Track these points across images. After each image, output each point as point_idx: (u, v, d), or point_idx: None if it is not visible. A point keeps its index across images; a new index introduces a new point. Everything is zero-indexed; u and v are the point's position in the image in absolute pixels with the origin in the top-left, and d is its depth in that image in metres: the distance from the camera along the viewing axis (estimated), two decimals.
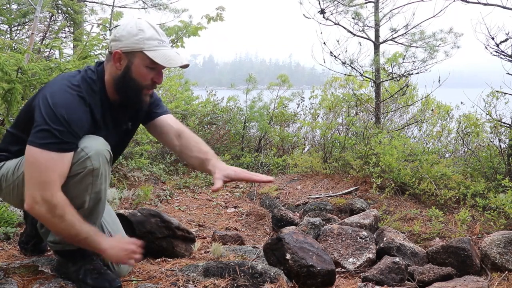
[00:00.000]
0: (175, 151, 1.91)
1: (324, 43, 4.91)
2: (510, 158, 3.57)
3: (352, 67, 5.00)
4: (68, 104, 1.46)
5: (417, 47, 4.95)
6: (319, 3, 4.86)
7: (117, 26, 1.67)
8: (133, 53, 1.57)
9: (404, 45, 4.98)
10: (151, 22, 1.61)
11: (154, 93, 1.80)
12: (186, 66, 1.63)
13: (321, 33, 4.88)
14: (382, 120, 5.28)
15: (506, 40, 3.69)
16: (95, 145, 1.50)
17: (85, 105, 1.51)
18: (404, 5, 4.88)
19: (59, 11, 6.56)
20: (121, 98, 1.64)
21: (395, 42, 5.01)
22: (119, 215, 2.07)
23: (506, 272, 2.20)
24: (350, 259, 2.36)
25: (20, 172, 1.56)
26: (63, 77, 1.57)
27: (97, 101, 1.59)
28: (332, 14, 4.90)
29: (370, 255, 2.38)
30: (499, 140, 3.81)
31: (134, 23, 1.58)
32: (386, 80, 5.20)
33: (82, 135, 1.50)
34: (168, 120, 1.86)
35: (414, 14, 4.80)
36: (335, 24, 4.92)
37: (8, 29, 5.95)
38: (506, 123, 3.88)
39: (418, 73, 4.95)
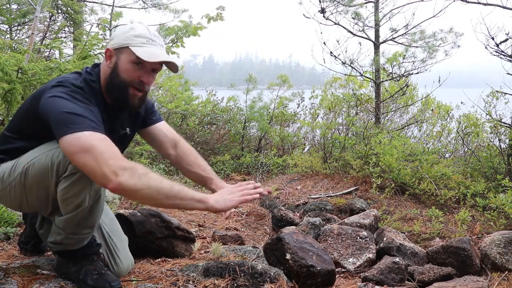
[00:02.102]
0: (169, 159, 1.93)
1: (324, 43, 4.92)
2: (510, 158, 3.57)
3: (352, 67, 5.00)
4: (86, 103, 1.46)
5: (417, 47, 4.95)
6: (320, 2, 4.86)
7: (118, 26, 1.70)
8: (120, 49, 1.56)
9: (404, 45, 4.99)
10: (148, 26, 1.61)
11: (148, 99, 1.80)
12: (174, 68, 1.63)
13: (321, 33, 4.89)
14: (382, 120, 5.28)
15: (506, 40, 3.69)
16: None
17: (94, 105, 1.52)
18: (404, 5, 4.89)
19: (59, 11, 6.56)
20: (110, 97, 1.61)
21: (395, 42, 5.01)
22: (119, 215, 2.08)
23: (506, 272, 2.20)
24: (350, 259, 2.36)
25: (16, 173, 1.55)
26: (67, 80, 1.53)
27: (100, 103, 1.59)
28: (332, 14, 4.91)
29: (370, 255, 2.38)
30: (499, 140, 3.81)
31: (129, 25, 1.60)
32: (386, 80, 5.21)
33: None
34: (163, 129, 1.90)
35: (414, 14, 4.81)
36: (335, 24, 4.92)
37: (8, 29, 5.95)
38: (506, 123, 3.88)
39: (418, 73, 4.96)
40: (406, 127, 5.71)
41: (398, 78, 5.07)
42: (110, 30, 5.09)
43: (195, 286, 1.72)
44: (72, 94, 1.46)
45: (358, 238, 2.50)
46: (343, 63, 4.96)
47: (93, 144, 1.33)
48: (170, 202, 1.39)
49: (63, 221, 1.57)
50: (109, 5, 6.45)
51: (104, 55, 1.64)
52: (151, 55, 1.54)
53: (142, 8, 7.19)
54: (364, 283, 1.96)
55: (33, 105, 1.51)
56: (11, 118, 2.49)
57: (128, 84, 1.57)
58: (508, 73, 3.71)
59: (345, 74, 5.28)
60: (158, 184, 1.35)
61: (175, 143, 1.90)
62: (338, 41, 4.91)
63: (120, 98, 1.60)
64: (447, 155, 4.83)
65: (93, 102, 1.52)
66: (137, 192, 1.32)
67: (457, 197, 3.35)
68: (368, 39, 4.99)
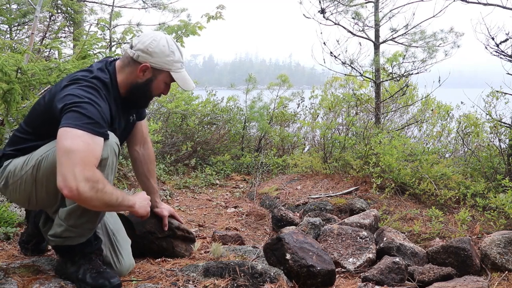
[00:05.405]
0: (130, 153, 2.09)
1: (324, 43, 4.91)
2: (510, 158, 3.57)
3: (352, 67, 5.00)
4: (97, 98, 1.56)
5: (417, 47, 4.94)
6: (320, 3, 4.86)
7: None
8: (160, 70, 1.74)
9: (404, 45, 4.98)
10: (175, 42, 1.79)
11: None
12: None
13: (321, 33, 4.89)
14: (382, 120, 5.28)
15: (506, 40, 3.69)
16: None
17: (104, 100, 1.61)
18: (404, 5, 4.88)
19: (59, 11, 6.55)
20: (131, 99, 1.79)
21: (395, 42, 5.01)
22: (119, 215, 2.07)
23: (506, 272, 2.20)
24: (350, 259, 2.36)
25: (29, 166, 1.59)
26: (77, 76, 1.61)
27: (111, 98, 1.69)
28: (332, 14, 4.90)
29: (370, 255, 2.38)
30: (499, 140, 3.81)
31: (166, 42, 1.73)
32: (386, 80, 5.20)
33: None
34: (143, 126, 2.09)
35: (414, 14, 4.80)
36: (335, 24, 4.92)
37: (8, 29, 5.95)
38: (506, 123, 3.88)
39: (418, 73, 4.95)
40: (406, 127, 5.71)
41: (398, 78, 5.07)
42: (110, 30, 5.08)
43: (195, 286, 1.72)
44: (84, 89, 1.55)
45: (358, 238, 2.50)
46: (343, 63, 4.96)
47: (76, 146, 1.40)
48: (108, 209, 1.65)
49: (66, 211, 1.59)
50: (109, 5, 6.47)
51: (128, 58, 1.74)
52: (185, 84, 1.78)
53: (142, 8, 7.19)
54: (364, 283, 1.96)
55: (48, 104, 1.60)
56: (10, 119, 2.49)
57: (153, 96, 1.85)
58: (508, 73, 3.71)
59: (345, 74, 5.27)
60: (108, 198, 1.47)
61: (144, 141, 2.10)
62: (338, 41, 4.91)
63: (142, 104, 1.89)
64: (447, 155, 4.83)
65: (104, 95, 1.62)
66: (89, 202, 1.44)
67: (457, 197, 3.35)
68: (368, 39, 4.99)
